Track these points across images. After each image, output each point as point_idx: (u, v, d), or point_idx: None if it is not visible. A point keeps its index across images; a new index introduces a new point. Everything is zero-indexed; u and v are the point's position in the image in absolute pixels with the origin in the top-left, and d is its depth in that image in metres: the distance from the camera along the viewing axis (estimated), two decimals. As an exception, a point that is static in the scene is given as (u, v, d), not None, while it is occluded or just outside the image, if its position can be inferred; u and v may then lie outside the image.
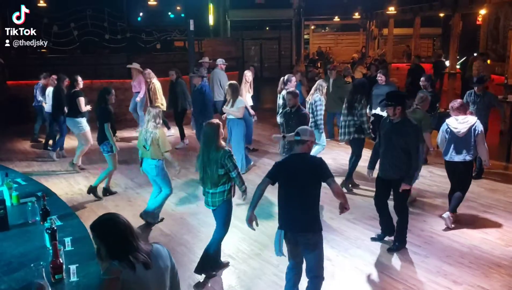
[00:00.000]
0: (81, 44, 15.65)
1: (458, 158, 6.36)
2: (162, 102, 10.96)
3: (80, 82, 9.06)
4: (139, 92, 11.88)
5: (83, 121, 8.81)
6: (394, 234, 5.86)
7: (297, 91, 7.57)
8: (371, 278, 5.19)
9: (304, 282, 4.49)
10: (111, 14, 15.91)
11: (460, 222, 6.51)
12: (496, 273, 5.21)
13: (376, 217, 6.22)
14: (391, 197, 5.84)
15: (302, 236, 4.23)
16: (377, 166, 5.97)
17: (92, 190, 7.58)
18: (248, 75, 10.75)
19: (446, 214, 6.37)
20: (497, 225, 6.46)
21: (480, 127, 6.33)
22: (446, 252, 5.71)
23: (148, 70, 11.29)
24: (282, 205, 4.33)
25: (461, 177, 6.50)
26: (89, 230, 2.80)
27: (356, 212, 6.86)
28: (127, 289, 2.50)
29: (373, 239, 6.08)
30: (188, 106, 10.74)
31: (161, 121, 6.35)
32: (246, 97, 10.26)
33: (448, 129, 6.43)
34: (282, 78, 9.46)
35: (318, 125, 8.07)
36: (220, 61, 11.70)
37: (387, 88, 8.81)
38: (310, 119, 7.80)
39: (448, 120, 6.52)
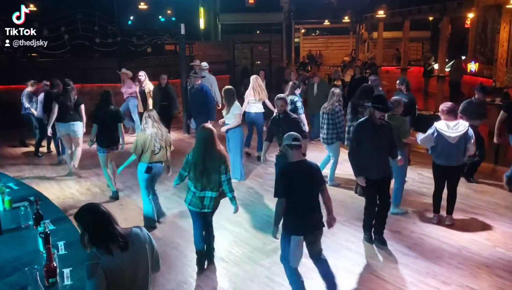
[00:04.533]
0: (71, 48, 15.57)
1: (450, 163, 6.40)
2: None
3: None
4: (133, 97, 11.84)
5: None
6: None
7: (286, 97, 7.64)
8: (361, 279, 5.25)
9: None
10: (102, 18, 15.85)
11: (449, 223, 6.60)
12: (485, 274, 5.30)
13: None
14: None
15: (315, 233, 4.58)
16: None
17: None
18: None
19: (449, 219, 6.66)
20: (486, 226, 6.56)
21: (471, 132, 6.37)
22: (435, 253, 5.79)
23: (143, 72, 11.33)
24: (295, 210, 4.46)
25: (452, 180, 6.61)
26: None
27: (347, 214, 6.94)
28: (105, 272, 2.82)
29: None
30: (177, 110, 10.88)
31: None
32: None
33: (438, 135, 6.36)
34: (291, 83, 9.42)
35: (342, 136, 8.03)
36: (206, 65, 11.71)
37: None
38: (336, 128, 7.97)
39: (438, 125, 6.41)
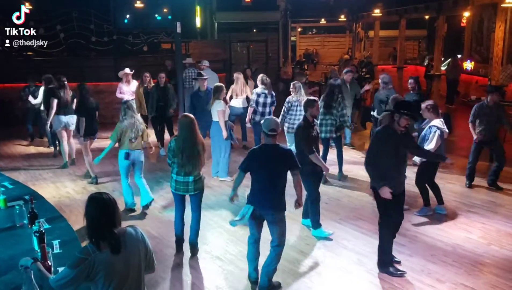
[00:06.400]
0: (67, 47, 15.54)
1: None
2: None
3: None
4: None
5: None
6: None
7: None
8: (357, 277, 5.27)
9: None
10: (98, 17, 15.82)
11: (444, 221, 6.65)
12: (479, 271, 5.33)
13: (362, 218, 6.50)
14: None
15: (269, 213, 4.82)
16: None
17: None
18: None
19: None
20: (480, 224, 6.59)
21: None
22: (430, 251, 5.82)
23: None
24: (255, 187, 4.88)
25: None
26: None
27: (342, 213, 6.97)
28: (96, 268, 2.86)
29: None
30: (173, 109, 10.55)
31: None
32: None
33: (441, 134, 6.46)
34: (261, 78, 9.47)
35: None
36: (207, 63, 11.88)
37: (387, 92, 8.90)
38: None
39: (437, 124, 6.49)
